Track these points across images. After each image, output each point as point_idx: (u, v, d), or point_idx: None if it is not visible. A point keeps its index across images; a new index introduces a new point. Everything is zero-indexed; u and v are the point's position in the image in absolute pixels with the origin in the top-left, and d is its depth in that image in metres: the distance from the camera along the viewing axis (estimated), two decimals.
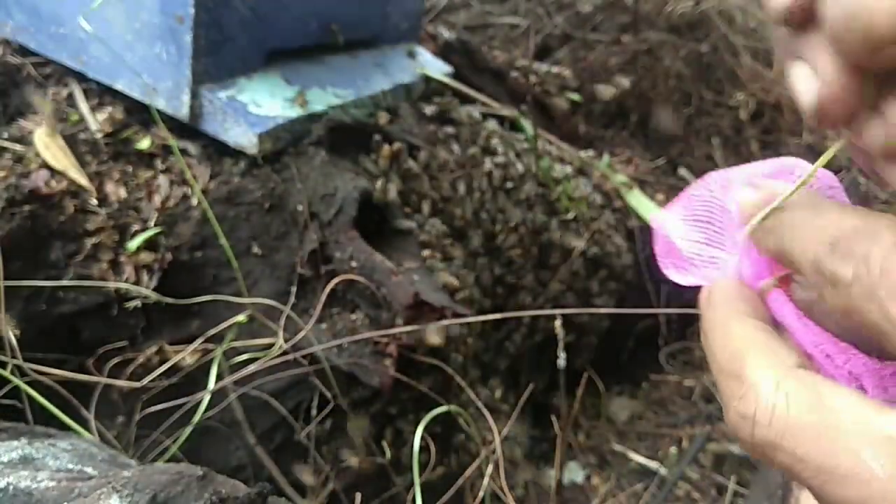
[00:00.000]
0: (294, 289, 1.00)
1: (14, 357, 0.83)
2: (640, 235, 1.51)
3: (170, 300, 0.95)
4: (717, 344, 0.32)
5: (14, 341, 0.84)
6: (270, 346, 0.95)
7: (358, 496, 0.98)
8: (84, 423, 0.86)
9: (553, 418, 1.11)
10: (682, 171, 1.85)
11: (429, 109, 1.31)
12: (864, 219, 0.28)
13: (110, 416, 0.93)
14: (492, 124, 1.39)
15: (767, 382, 0.28)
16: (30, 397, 0.81)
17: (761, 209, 0.33)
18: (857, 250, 0.27)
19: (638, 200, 1.54)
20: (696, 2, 2.08)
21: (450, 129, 1.30)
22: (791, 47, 0.30)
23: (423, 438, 0.95)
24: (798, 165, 0.35)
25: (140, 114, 1.06)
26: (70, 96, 1.07)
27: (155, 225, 0.98)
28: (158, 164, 1.04)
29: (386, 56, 1.33)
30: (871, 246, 0.26)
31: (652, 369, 1.53)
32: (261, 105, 1.05)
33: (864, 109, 0.28)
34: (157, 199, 1.00)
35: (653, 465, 1.31)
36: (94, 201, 0.97)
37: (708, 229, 0.37)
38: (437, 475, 1.05)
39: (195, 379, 0.93)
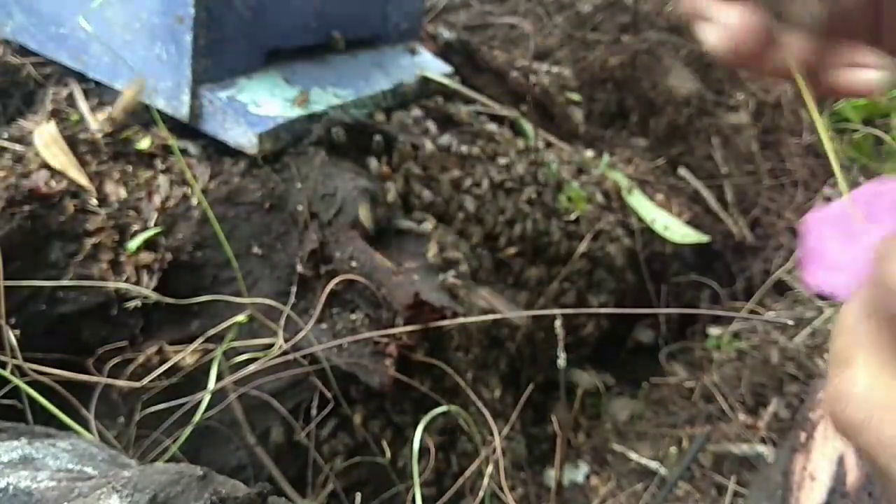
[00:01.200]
0: (294, 289, 1.00)
1: (14, 357, 0.83)
2: (640, 235, 1.51)
3: (170, 300, 0.95)
4: (838, 332, 0.33)
5: (14, 341, 0.84)
6: (270, 346, 0.95)
7: (358, 496, 0.98)
8: (84, 423, 0.86)
9: (553, 418, 1.11)
10: (682, 171, 1.85)
11: (429, 109, 1.31)
12: None
13: (110, 416, 0.93)
14: (492, 124, 1.39)
15: (868, 370, 0.30)
16: (30, 397, 0.81)
17: None
18: None
19: (638, 201, 1.54)
20: None
21: (450, 130, 1.30)
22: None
23: (423, 438, 0.95)
24: None
25: (140, 114, 1.06)
26: (70, 96, 1.07)
27: (155, 225, 0.98)
28: (158, 164, 1.04)
29: (386, 56, 1.33)
30: None
31: (652, 369, 1.53)
32: (261, 105, 1.05)
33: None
34: (157, 199, 1.00)
35: (653, 465, 1.30)
36: (94, 201, 0.97)
37: (859, 238, 0.37)
38: (437, 475, 1.05)
39: (195, 379, 0.93)
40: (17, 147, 0.98)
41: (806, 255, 0.38)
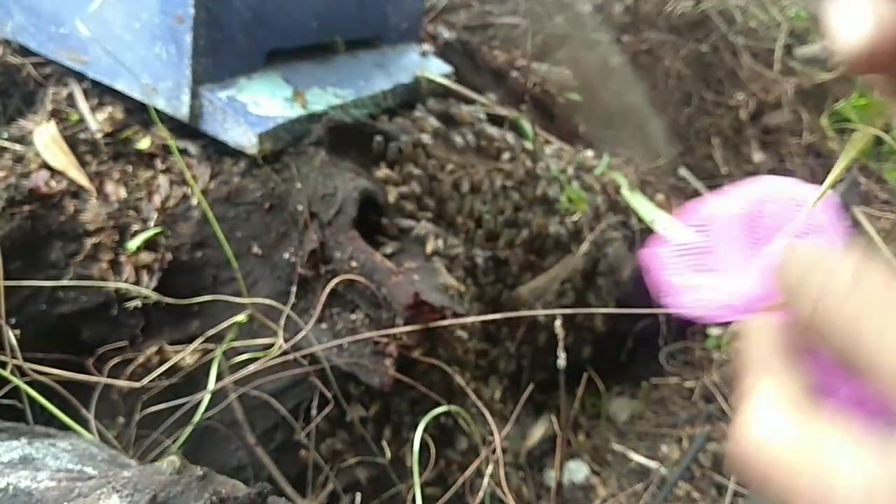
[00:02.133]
0: (294, 289, 1.00)
1: (14, 357, 0.83)
2: (641, 236, 1.51)
3: (170, 300, 0.95)
4: (742, 371, 0.32)
5: (14, 341, 0.84)
6: (270, 346, 0.95)
7: (358, 496, 0.98)
8: (84, 423, 0.86)
9: (553, 418, 1.11)
10: (682, 171, 1.85)
11: (429, 109, 1.31)
12: None
13: (110, 416, 0.93)
14: (492, 125, 1.39)
15: (761, 416, 0.29)
16: (30, 397, 0.81)
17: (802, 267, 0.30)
18: None
19: (638, 201, 1.54)
20: (696, 2, 2.08)
21: (450, 130, 1.30)
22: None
23: (423, 438, 0.95)
24: (778, 187, 0.35)
25: (140, 114, 1.06)
26: (70, 96, 1.07)
27: (155, 225, 0.98)
28: (158, 164, 1.04)
29: (386, 56, 1.33)
30: None
31: (652, 369, 1.53)
32: (261, 105, 1.05)
33: None
34: (157, 199, 1.00)
35: (653, 465, 1.30)
36: (94, 201, 0.97)
37: (698, 256, 0.37)
38: (437, 475, 1.04)
39: (195, 379, 0.93)
40: (17, 147, 0.98)
41: (664, 287, 0.39)
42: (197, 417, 0.91)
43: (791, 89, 2.01)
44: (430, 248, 1.10)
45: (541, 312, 1.24)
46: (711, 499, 1.22)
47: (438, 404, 0.98)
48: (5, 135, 1.00)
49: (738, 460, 0.29)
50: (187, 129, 1.05)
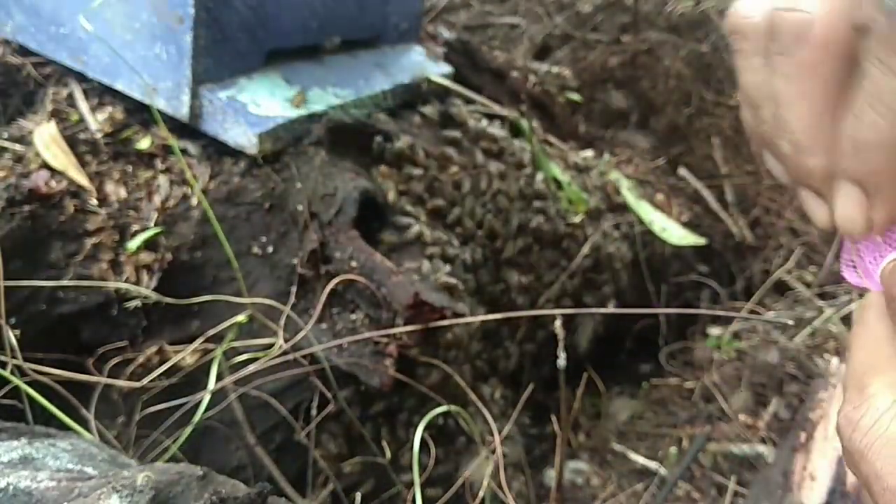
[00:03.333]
0: (294, 289, 1.00)
1: (14, 357, 0.83)
2: (641, 236, 1.51)
3: (170, 300, 0.95)
4: (856, 349, 0.34)
5: (14, 341, 0.84)
6: (270, 346, 0.95)
7: (358, 496, 0.98)
8: (84, 423, 0.86)
9: (553, 418, 1.11)
10: (682, 171, 1.85)
11: (429, 110, 1.31)
12: None
13: (110, 416, 0.93)
14: (492, 124, 1.39)
15: (883, 399, 0.31)
16: (30, 397, 0.81)
17: None
18: None
19: (637, 202, 1.54)
20: (696, 2, 2.08)
21: (450, 130, 1.30)
22: None
23: (422, 438, 0.95)
24: None
25: (140, 114, 1.06)
26: (70, 96, 1.07)
27: (155, 225, 0.98)
28: (158, 164, 1.04)
29: (386, 56, 1.33)
30: None
31: (652, 369, 1.53)
32: (260, 105, 1.05)
33: None
34: (157, 199, 1.00)
35: (653, 465, 1.30)
36: (94, 201, 0.97)
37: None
38: (437, 475, 1.05)
39: (195, 379, 0.93)
40: (17, 147, 0.99)
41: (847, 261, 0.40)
42: (197, 417, 0.91)
43: None
44: (429, 247, 1.10)
45: (541, 312, 1.24)
46: (711, 499, 1.22)
47: (438, 404, 0.98)
48: (5, 135, 1.00)
49: (846, 431, 0.31)
50: (187, 129, 1.05)
